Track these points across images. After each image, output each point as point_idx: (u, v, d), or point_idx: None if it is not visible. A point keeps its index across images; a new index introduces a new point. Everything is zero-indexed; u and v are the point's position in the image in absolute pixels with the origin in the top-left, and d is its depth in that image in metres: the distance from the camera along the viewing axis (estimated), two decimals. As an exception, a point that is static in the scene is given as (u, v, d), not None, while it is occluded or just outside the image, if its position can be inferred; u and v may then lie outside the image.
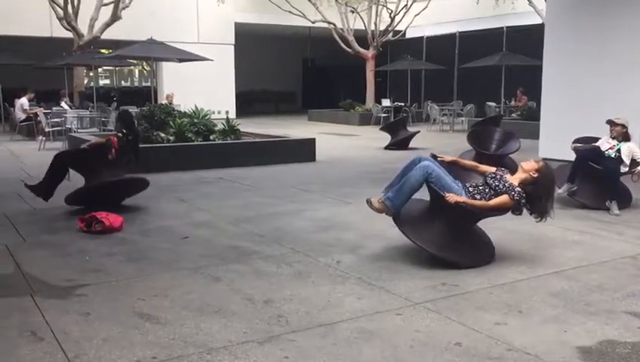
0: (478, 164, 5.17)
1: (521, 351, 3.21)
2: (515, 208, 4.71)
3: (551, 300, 3.99)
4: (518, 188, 4.66)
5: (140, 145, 7.39)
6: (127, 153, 7.06)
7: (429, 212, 4.91)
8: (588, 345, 3.29)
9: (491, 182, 4.79)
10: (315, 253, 5.07)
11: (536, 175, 4.72)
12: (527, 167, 4.79)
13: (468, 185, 4.87)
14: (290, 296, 4.06)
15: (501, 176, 4.82)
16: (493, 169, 4.98)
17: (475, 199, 4.72)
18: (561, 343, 3.33)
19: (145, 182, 6.95)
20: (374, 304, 3.92)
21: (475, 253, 4.86)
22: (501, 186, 4.71)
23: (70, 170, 6.97)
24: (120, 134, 7.05)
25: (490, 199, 4.71)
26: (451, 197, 4.53)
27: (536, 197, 4.69)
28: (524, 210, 4.78)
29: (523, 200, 4.64)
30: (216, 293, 4.13)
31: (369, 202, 4.81)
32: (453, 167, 5.06)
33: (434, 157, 5.00)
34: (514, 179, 4.78)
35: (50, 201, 6.81)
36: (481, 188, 4.81)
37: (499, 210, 4.71)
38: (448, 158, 5.04)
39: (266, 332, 3.46)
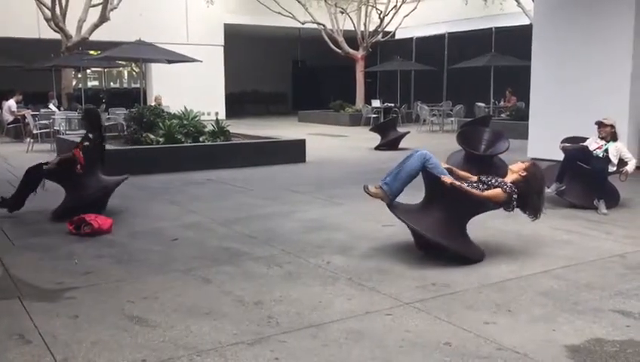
0: (471, 176, 5.18)
1: (510, 350, 3.23)
2: (507, 203, 4.78)
3: (540, 299, 4.01)
4: (510, 183, 4.78)
5: (117, 147, 7.11)
6: (98, 157, 6.83)
7: (426, 203, 5.00)
8: (576, 344, 3.31)
9: (484, 179, 4.93)
10: (305, 254, 5.07)
11: (524, 173, 4.84)
12: (516, 168, 4.93)
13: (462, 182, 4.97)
14: (280, 297, 4.06)
15: (494, 176, 5.00)
16: (518, 167, 5.02)
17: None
18: (550, 342, 3.35)
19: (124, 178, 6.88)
20: (364, 304, 3.92)
21: (470, 246, 4.93)
22: (494, 181, 4.85)
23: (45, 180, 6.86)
24: (86, 143, 6.71)
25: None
26: (447, 179, 4.67)
27: (527, 195, 4.81)
28: (518, 210, 4.89)
29: (515, 195, 4.74)
30: (206, 295, 4.13)
31: (366, 188, 4.89)
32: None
33: None
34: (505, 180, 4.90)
35: (39, 204, 6.77)
36: (475, 184, 4.92)
37: (492, 202, 4.80)
38: (444, 165, 5.10)
39: (256, 334, 3.46)
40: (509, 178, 4.88)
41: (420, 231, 4.76)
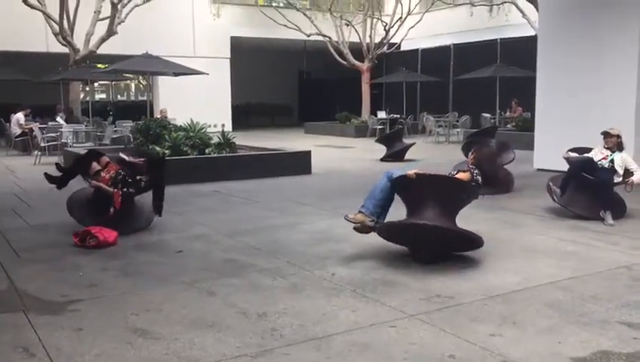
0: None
1: (515, 363, 3.21)
2: (472, 187, 5.19)
3: (545, 311, 3.98)
4: (472, 167, 5.36)
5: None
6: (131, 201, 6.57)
7: (410, 213, 5.19)
8: (582, 356, 3.29)
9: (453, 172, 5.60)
10: (310, 266, 5.07)
11: (473, 160, 5.48)
12: (464, 174, 5.32)
13: None
14: (284, 309, 4.05)
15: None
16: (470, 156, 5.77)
17: None
18: (556, 354, 3.32)
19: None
20: (369, 316, 3.91)
21: (466, 232, 5.08)
22: (455, 171, 5.51)
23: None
24: (131, 190, 6.40)
25: None
26: (410, 172, 4.99)
27: (484, 169, 5.44)
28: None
29: (475, 172, 5.26)
30: (210, 307, 4.12)
31: (346, 216, 5.23)
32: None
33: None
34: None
35: (44, 217, 6.80)
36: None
37: (461, 184, 5.21)
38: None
39: (260, 347, 3.45)
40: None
41: (424, 223, 4.88)
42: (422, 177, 4.99)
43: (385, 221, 5.17)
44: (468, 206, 5.39)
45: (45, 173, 6.84)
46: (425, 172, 5.12)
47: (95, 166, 6.60)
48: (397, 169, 5.31)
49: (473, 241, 4.97)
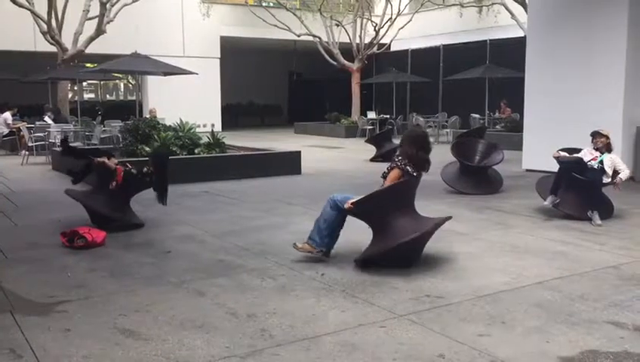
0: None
1: (504, 363, 3.22)
2: (406, 173, 4.93)
3: (534, 311, 4.00)
4: (396, 159, 5.02)
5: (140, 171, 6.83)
6: (133, 189, 6.84)
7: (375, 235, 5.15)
8: (570, 356, 3.30)
9: (385, 169, 5.13)
10: (299, 266, 5.06)
11: (401, 141, 5.17)
12: (392, 174, 5.02)
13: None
14: (274, 309, 4.05)
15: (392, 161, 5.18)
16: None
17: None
18: (544, 354, 3.34)
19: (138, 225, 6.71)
20: (358, 317, 3.91)
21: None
22: (389, 167, 5.07)
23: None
24: (133, 170, 6.73)
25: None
26: (347, 203, 4.94)
27: (415, 155, 4.98)
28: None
29: (402, 163, 4.95)
30: (199, 308, 4.10)
31: (295, 245, 5.23)
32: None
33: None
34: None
35: (32, 217, 6.75)
36: (381, 181, 5.14)
37: (396, 186, 4.96)
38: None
39: (249, 347, 3.44)
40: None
41: (411, 238, 4.82)
42: (361, 202, 4.91)
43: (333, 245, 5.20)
44: (455, 206, 5.41)
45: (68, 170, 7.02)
46: (358, 199, 4.95)
47: (112, 161, 6.82)
48: (338, 194, 5.19)
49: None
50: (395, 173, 4.99)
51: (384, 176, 5.10)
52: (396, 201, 5.04)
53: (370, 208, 5.00)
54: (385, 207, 5.00)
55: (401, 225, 4.89)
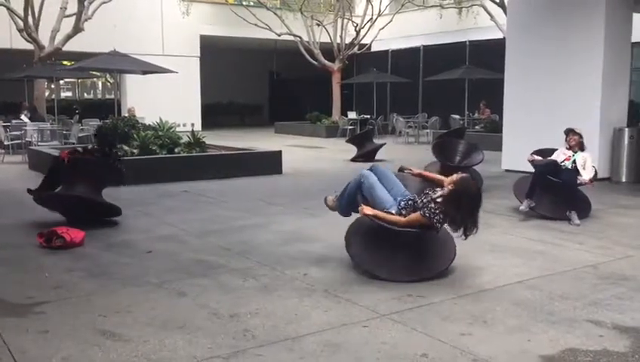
0: (444, 178, 4.87)
1: (485, 361, 3.24)
2: (428, 226, 4.54)
3: (514, 310, 4.04)
4: (432, 206, 4.49)
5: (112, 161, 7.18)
6: (93, 170, 6.92)
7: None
8: (551, 354, 3.34)
9: (419, 198, 4.68)
10: (281, 266, 5.04)
11: (451, 187, 4.53)
12: (448, 180, 4.64)
13: (407, 198, 4.78)
14: (256, 309, 4.02)
15: (433, 190, 4.68)
16: (449, 180, 4.69)
17: (401, 215, 4.65)
18: (525, 352, 3.37)
19: (116, 210, 6.80)
20: (341, 316, 3.90)
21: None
22: (419, 203, 4.61)
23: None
24: (78, 150, 7.00)
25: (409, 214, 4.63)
26: (362, 210, 4.70)
27: (455, 213, 4.46)
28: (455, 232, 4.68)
29: (436, 218, 4.47)
30: (180, 308, 4.07)
31: (325, 199, 5.29)
32: (421, 179, 5.09)
33: (402, 170, 5.13)
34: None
35: (7, 217, 6.63)
36: (410, 202, 4.71)
37: (412, 227, 4.60)
38: (415, 171, 5.10)
39: (232, 347, 3.41)
40: (446, 188, 4.59)
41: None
42: (372, 218, 4.64)
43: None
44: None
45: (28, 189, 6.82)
46: (376, 214, 4.62)
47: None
48: (371, 176, 4.85)
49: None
50: (418, 219, 4.53)
51: (415, 201, 4.65)
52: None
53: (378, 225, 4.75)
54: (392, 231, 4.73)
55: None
